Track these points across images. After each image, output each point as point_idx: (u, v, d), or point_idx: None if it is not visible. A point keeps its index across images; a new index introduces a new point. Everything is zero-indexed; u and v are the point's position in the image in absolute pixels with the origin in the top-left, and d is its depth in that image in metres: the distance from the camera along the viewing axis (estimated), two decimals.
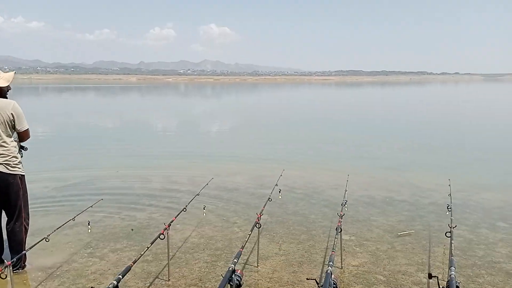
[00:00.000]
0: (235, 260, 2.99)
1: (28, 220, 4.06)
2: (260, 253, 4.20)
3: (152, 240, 3.43)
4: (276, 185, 5.21)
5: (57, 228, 3.91)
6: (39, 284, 3.65)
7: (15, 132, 3.92)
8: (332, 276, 2.85)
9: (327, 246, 4.54)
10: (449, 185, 5.13)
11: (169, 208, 5.84)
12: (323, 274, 3.47)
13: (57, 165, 8.54)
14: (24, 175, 3.99)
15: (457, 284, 2.67)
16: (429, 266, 4.03)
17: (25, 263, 3.97)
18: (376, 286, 3.64)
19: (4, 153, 3.78)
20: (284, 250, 4.42)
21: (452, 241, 3.35)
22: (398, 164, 9.48)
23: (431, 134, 14.99)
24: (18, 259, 3.64)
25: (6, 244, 4.03)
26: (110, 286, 2.65)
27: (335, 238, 3.41)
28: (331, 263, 2.91)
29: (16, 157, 3.89)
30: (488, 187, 7.34)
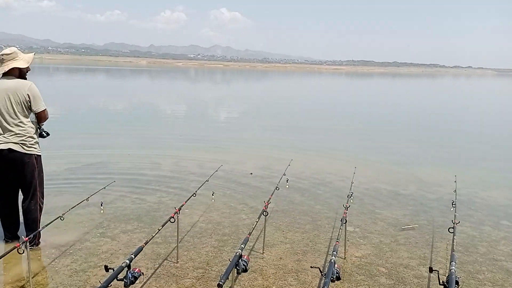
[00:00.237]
0: (242, 245, 3.09)
1: (43, 199, 4.20)
2: (266, 241, 4.32)
3: (163, 223, 3.56)
4: (284, 174, 5.30)
5: (72, 208, 4.06)
6: (52, 261, 3.81)
7: (32, 113, 4.02)
8: (336, 265, 2.95)
9: (331, 236, 4.64)
10: (455, 181, 5.18)
11: (178, 192, 5.97)
12: (327, 263, 3.57)
13: (69, 146, 8.71)
14: (40, 155, 4.10)
15: (457, 279, 2.75)
16: (431, 261, 4.12)
17: (40, 240, 4.13)
18: (377, 277, 3.74)
19: (20, 133, 3.88)
20: (289, 239, 4.54)
21: (455, 237, 3.43)
22: (405, 158, 9.51)
23: (441, 129, 14.93)
24: (34, 236, 3.78)
25: (21, 221, 4.19)
26: (123, 264, 2.79)
27: (340, 228, 3.52)
28: (335, 252, 3.01)
29: (33, 137, 3.99)
30: (495, 185, 7.36)
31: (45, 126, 4.17)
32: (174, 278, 3.58)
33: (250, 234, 3.38)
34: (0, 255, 3.12)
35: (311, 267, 3.70)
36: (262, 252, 4.15)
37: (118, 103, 21.03)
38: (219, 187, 6.20)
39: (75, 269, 3.66)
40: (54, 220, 3.71)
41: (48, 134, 4.19)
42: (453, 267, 2.84)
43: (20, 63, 4.02)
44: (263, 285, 3.52)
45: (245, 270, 3.03)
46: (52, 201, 5.03)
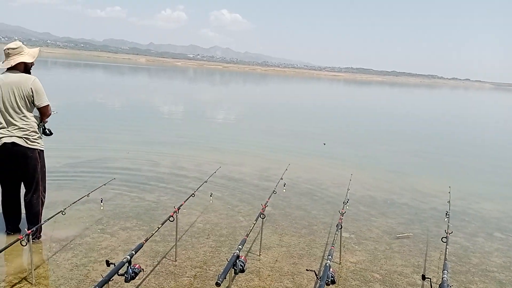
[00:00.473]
0: (239, 246, 3.17)
1: (45, 193, 4.25)
2: (263, 243, 4.39)
3: (162, 221, 3.63)
4: (281, 178, 5.38)
5: (73, 203, 4.13)
6: (53, 254, 3.87)
7: (35, 108, 4.05)
8: (331, 269, 3.03)
9: (327, 241, 4.72)
10: (449, 192, 5.28)
11: (177, 192, 6.04)
12: (322, 267, 3.65)
13: (69, 142, 8.73)
14: (43, 150, 4.14)
15: (449, 287, 2.84)
16: (424, 269, 4.21)
17: (41, 234, 4.18)
18: (372, 283, 3.82)
19: (24, 127, 3.92)
20: (285, 242, 4.61)
21: (448, 246, 3.52)
22: (402, 167, 9.62)
23: (437, 140, 15.09)
24: (35, 229, 3.83)
25: (23, 214, 4.24)
26: (124, 260, 2.85)
27: (335, 234, 3.60)
28: (330, 257, 3.09)
29: (36, 132, 4.03)
30: (488, 197, 7.49)
31: (49, 121, 4.20)
32: (173, 276, 3.65)
33: (247, 235, 3.45)
34: (3, 247, 3.18)
35: (306, 270, 3.78)
36: (259, 254, 4.22)
37: (118, 100, 21.05)
38: (217, 188, 6.26)
39: (76, 263, 3.72)
40: (55, 215, 3.78)
41: (51, 133, 4.22)
42: (446, 276, 2.92)
43: (26, 58, 4.05)
44: (259, 286, 3.59)
45: (242, 271, 3.09)
46: (53, 195, 5.07)
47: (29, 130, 3.95)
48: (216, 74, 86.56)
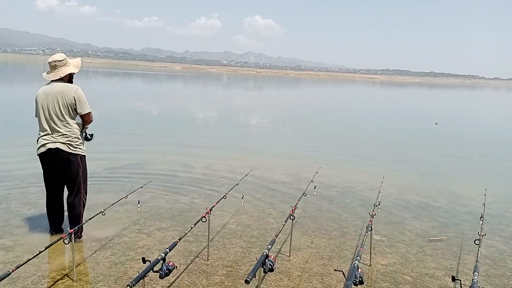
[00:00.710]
0: (269, 246, 3.26)
1: (86, 195, 4.51)
2: (293, 244, 4.46)
3: (195, 222, 3.78)
4: (312, 181, 5.43)
5: (112, 204, 4.36)
6: (94, 253, 4.10)
7: (78, 116, 4.32)
8: (359, 270, 3.06)
9: (357, 243, 4.72)
10: (485, 195, 5.15)
11: (210, 195, 6.21)
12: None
13: (109, 147, 9.13)
14: (84, 155, 4.40)
15: None
16: (457, 272, 4.14)
17: (82, 234, 4.44)
18: (402, 285, 3.81)
19: (67, 133, 4.17)
20: (315, 244, 4.66)
21: (480, 249, 3.46)
22: (438, 170, 9.40)
23: (476, 142, 14.59)
24: (77, 229, 4.08)
25: (65, 216, 4.52)
26: (159, 257, 3.02)
27: (365, 235, 3.62)
28: (358, 257, 3.12)
29: (78, 138, 4.28)
30: None
31: (90, 127, 4.47)
32: (205, 274, 3.79)
33: (277, 236, 3.54)
34: (47, 245, 3.43)
35: (334, 270, 3.82)
36: (288, 255, 4.29)
37: (155, 107, 21.71)
38: (248, 191, 6.39)
39: (114, 261, 3.93)
40: (96, 215, 4.01)
41: (92, 137, 4.47)
42: (476, 277, 2.89)
43: (72, 69, 4.34)
44: (288, 286, 3.67)
45: (271, 270, 3.18)
46: (93, 198, 5.36)
47: (71, 136, 4.20)
48: (249, 80, 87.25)
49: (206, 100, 29.39)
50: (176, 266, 3.21)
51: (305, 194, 4.89)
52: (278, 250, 4.40)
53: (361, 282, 3.01)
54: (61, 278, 3.59)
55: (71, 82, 4.36)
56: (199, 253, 4.21)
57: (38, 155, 4.23)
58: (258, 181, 7.10)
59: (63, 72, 4.21)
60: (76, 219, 4.35)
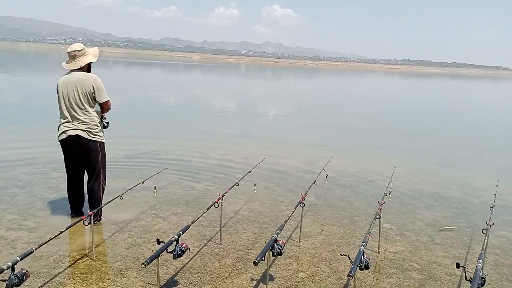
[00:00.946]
0: (277, 231, 3.38)
1: (105, 180, 4.71)
2: (303, 231, 4.57)
3: (208, 206, 3.93)
4: (323, 170, 5.51)
5: (130, 189, 4.55)
6: (112, 235, 4.30)
7: (96, 104, 4.49)
8: (365, 255, 3.16)
9: (367, 231, 4.79)
10: (497, 186, 5.14)
11: (224, 182, 6.36)
12: None
13: (127, 135, 9.39)
14: (103, 142, 4.58)
15: (483, 276, 2.87)
16: (465, 261, 4.19)
17: (101, 217, 4.64)
18: (409, 272, 3.89)
19: (86, 121, 4.35)
20: (325, 231, 4.76)
21: (488, 238, 3.50)
22: (454, 161, 9.35)
23: (496, 135, 14.35)
24: (96, 212, 4.28)
25: (85, 200, 4.74)
26: (172, 239, 3.18)
27: (372, 223, 3.70)
28: (364, 243, 3.22)
29: (97, 126, 4.45)
30: None
31: (108, 115, 4.64)
32: (217, 257, 3.94)
33: (286, 221, 3.66)
34: (68, 225, 3.63)
35: (341, 254, 3.91)
36: (298, 241, 4.41)
37: (173, 96, 22.00)
38: (262, 179, 6.52)
39: (132, 243, 4.12)
40: (114, 199, 4.19)
41: (108, 124, 4.64)
42: (480, 264, 2.95)
43: (91, 58, 4.50)
44: (297, 270, 3.79)
45: (280, 254, 3.30)
46: (112, 183, 5.54)
47: (91, 124, 4.38)
48: (267, 70, 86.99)
49: (223, 90, 29.55)
50: (189, 248, 3.36)
51: (315, 183, 4.98)
52: (288, 236, 4.52)
53: (367, 267, 3.12)
54: (81, 258, 3.79)
55: (90, 71, 4.51)
56: (212, 237, 4.36)
57: (59, 141, 4.42)
58: (271, 169, 7.22)
59: (82, 61, 4.37)
60: (95, 203, 4.55)
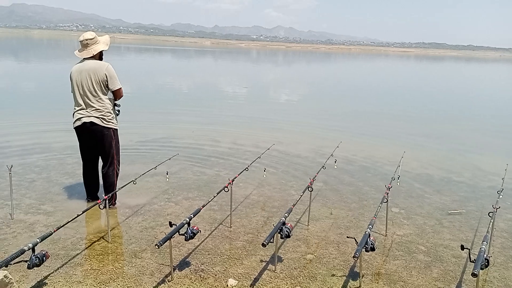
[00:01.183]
0: (285, 214, 3.48)
1: (119, 166, 4.84)
2: (312, 215, 4.66)
3: (218, 191, 4.04)
4: (332, 155, 5.57)
5: (142, 174, 4.69)
6: (126, 218, 4.46)
7: (109, 91, 4.60)
8: (371, 237, 3.25)
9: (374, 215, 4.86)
10: (505, 170, 5.15)
11: (235, 167, 6.46)
12: None
13: (140, 122, 9.55)
14: (117, 129, 4.70)
15: (487, 258, 2.94)
16: (472, 243, 4.24)
17: (116, 201, 4.79)
18: (416, 254, 3.96)
19: (100, 108, 4.47)
20: (334, 215, 4.84)
21: (493, 221, 3.55)
22: (464, 145, 9.30)
23: (507, 118, 14.17)
24: (111, 196, 4.42)
25: (100, 184, 4.89)
26: (184, 221, 3.30)
27: (379, 206, 3.77)
28: (370, 226, 3.31)
29: (111, 113, 4.57)
30: None
31: (120, 102, 4.74)
32: (228, 239, 4.07)
33: (294, 205, 3.76)
34: (84, 209, 3.77)
35: (347, 237, 4.00)
36: (307, 224, 4.51)
37: (184, 82, 22.10)
38: (271, 164, 6.61)
39: (145, 226, 4.27)
40: (127, 184, 4.33)
41: (119, 112, 4.75)
42: (484, 246, 3.02)
43: (103, 46, 4.58)
44: (305, 252, 3.89)
45: (288, 236, 3.41)
46: (126, 169, 5.71)
47: (104, 111, 4.49)
48: (278, 55, 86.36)
49: (234, 76, 29.54)
50: (200, 231, 3.49)
51: (324, 167, 5.06)
52: (297, 219, 4.62)
53: (373, 249, 3.21)
54: (97, 240, 3.95)
55: (102, 59, 4.61)
56: (223, 221, 4.49)
57: (74, 128, 4.56)
58: (281, 155, 7.30)
59: (94, 50, 4.46)
60: (110, 188, 4.69)
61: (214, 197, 3.94)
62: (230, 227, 4.35)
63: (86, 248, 3.78)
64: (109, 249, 3.78)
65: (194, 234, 3.35)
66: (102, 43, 4.61)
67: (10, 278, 2.88)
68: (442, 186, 6.15)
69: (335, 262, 3.73)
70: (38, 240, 2.92)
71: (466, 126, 12.08)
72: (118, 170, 4.82)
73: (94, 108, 4.45)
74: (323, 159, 7.02)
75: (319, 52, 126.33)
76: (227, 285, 3.26)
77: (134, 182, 4.33)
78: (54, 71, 24.97)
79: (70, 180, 5.57)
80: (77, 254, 3.65)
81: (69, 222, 3.36)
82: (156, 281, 3.26)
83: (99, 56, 4.60)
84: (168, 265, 3.40)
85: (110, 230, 4.02)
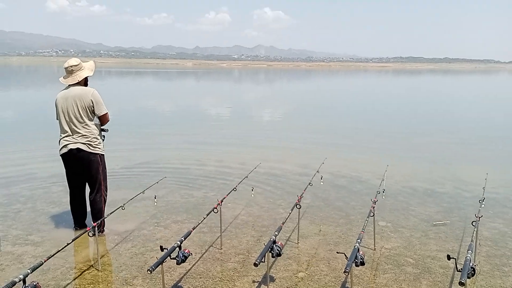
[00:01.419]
0: (276, 233, 3.53)
1: (107, 192, 4.83)
2: (301, 232, 4.71)
3: (207, 213, 4.07)
4: (318, 171, 5.66)
5: (130, 199, 4.68)
6: (116, 245, 4.43)
7: (95, 117, 4.62)
8: (360, 252, 3.31)
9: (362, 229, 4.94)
10: (485, 179, 5.31)
11: (222, 188, 6.49)
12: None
13: (125, 146, 9.50)
14: (103, 154, 4.71)
15: (473, 266, 3.03)
16: (458, 253, 4.34)
17: (104, 228, 4.76)
18: (404, 267, 4.04)
19: (86, 134, 4.48)
20: (323, 231, 4.90)
21: (477, 230, 3.66)
22: (446, 157, 9.52)
23: (487, 128, 14.58)
24: (100, 223, 4.39)
25: (88, 212, 4.86)
26: (175, 245, 3.31)
27: (366, 220, 3.86)
28: (359, 240, 3.37)
29: (97, 138, 4.58)
30: None
31: (106, 126, 4.76)
32: (219, 261, 4.08)
33: (283, 223, 3.80)
34: (74, 237, 3.75)
35: (337, 252, 4.06)
36: (297, 242, 4.55)
37: (167, 105, 22.11)
38: (258, 183, 6.66)
39: (135, 252, 4.25)
40: (116, 209, 4.32)
41: (107, 131, 4.76)
42: (469, 255, 3.11)
43: (88, 72, 4.62)
44: (297, 270, 3.93)
45: (279, 255, 3.45)
46: (112, 194, 5.65)
47: (91, 137, 4.50)
48: (259, 74, 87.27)
49: (217, 97, 29.70)
50: (192, 253, 3.49)
51: (311, 184, 5.13)
52: (287, 238, 4.67)
53: (363, 263, 3.27)
54: (87, 269, 3.91)
55: (87, 85, 4.65)
56: (213, 243, 4.50)
57: (60, 155, 4.55)
58: (267, 173, 7.37)
59: (80, 76, 4.50)
60: (98, 214, 4.66)
61: (204, 218, 3.97)
62: (221, 248, 4.36)
63: (77, 278, 3.74)
64: (99, 277, 3.75)
65: (186, 258, 3.35)
66: (87, 69, 4.65)
67: None
68: (426, 198, 6.29)
69: (327, 278, 3.78)
70: (29, 271, 2.89)
71: (446, 139, 12.36)
72: (106, 196, 4.80)
73: (80, 134, 4.46)
74: (310, 176, 7.11)
75: (300, 70, 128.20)
76: None
77: (123, 208, 4.32)
78: (34, 98, 24.72)
79: (57, 209, 5.51)
80: (68, 284, 3.61)
81: (59, 251, 3.33)
82: None
83: (85, 82, 4.63)
84: None
85: (100, 258, 3.99)
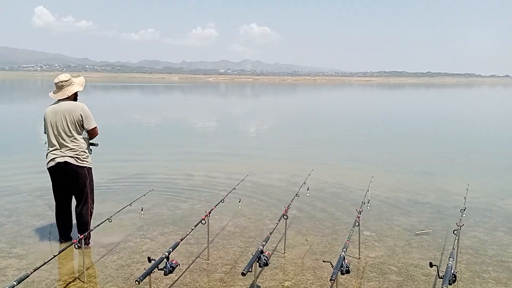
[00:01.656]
0: (263, 243, 3.58)
1: (93, 204, 4.83)
2: (287, 243, 4.77)
3: (195, 224, 4.10)
4: (304, 183, 5.75)
5: (117, 212, 4.68)
6: (101, 257, 4.41)
7: (84, 131, 4.65)
8: (346, 260, 3.38)
9: (347, 238, 5.02)
10: (467, 189, 5.46)
11: (209, 200, 6.52)
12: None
13: (112, 159, 9.47)
14: (91, 168, 4.73)
15: (454, 273, 3.12)
16: (440, 261, 4.44)
17: (90, 241, 4.74)
18: (388, 275, 4.12)
19: (74, 148, 4.51)
20: (309, 241, 4.96)
21: (458, 239, 3.77)
22: (428, 168, 9.71)
23: (468, 139, 14.94)
24: (85, 236, 4.38)
25: (74, 224, 4.83)
26: (163, 256, 3.33)
27: (351, 229, 3.94)
28: (344, 249, 3.44)
29: (85, 152, 4.61)
30: None
31: (96, 139, 4.79)
32: (206, 272, 4.10)
33: (271, 234, 3.86)
34: (60, 249, 3.73)
35: (323, 261, 4.12)
36: (283, 252, 4.60)
37: (154, 118, 22.07)
38: (246, 195, 6.70)
39: (121, 264, 4.24)
40: (102, 222, 4.32)
41: (97, 145, 4.81)
42: (451, 263, 3.21)
43: (77, 87, 4.67)
44: (283, 279, 3.97)
45: (266, 264, 3.50)
46: (99, 207, 5.63)
47: (79, 150, 4.53)
48: (246, 88, 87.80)
49: (203, 110, 29.79)
50: (179, 264, 3.51)
51: (297, 195, 5.21)
52: (274, 248, 4.71)
53: (348, 271, 3.34)
54: (73, 281, 3.89)
55: (76, 100, 4.69)
56: (200, 254, 4.52)
57: (48, 168, 4.54)
58: (254, 185, 7.42)
59: (69, 91, 4.54)
60: (84, 227, 4.65)
61: (192, 230, 4.00)
62: (208, 259, 4.38)
63: None
64: None
65: (173, 268, 3.37)
66: (77, 84, 4.70)
67: None
68: (409, 208, 6.42)
69: (313, 287, 3.83)
70: (15, 283, 2.88)
71: (428, 150, 12.62)
72: (92, 208, 4.80)
73: (68, 148, 4.48)
74: (296, 187, 7.19)
75: (286, 84, 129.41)
76: None
77: (109, 220, 4.32)
78: (19, 112, 24.42)
79: (41, 222, 5.46)
80: None
81: (45, 263, 3.32)
82: None
83: (74, 97, 4.67)
84: None
85: (85, 270, 3.98)
